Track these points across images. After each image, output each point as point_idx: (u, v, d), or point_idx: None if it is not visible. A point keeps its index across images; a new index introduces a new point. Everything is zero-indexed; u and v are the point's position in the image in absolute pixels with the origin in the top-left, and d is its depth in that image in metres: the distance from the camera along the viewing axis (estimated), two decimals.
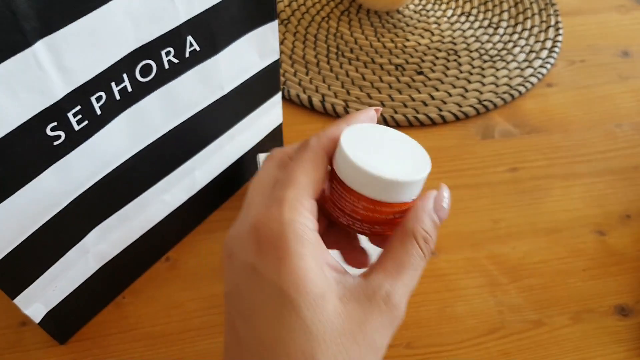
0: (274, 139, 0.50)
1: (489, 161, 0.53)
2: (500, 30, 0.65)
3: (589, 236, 0.48)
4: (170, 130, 0.38)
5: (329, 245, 0.26)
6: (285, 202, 0.23)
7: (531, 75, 0.60)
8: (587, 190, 0.51)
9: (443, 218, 0.25)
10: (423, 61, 0.62)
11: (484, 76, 0.60)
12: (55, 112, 0.29)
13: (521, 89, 0.59)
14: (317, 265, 0.23)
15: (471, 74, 0.60)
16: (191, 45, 0.35)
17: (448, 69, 0.61)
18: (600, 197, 0.51)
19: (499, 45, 0.64)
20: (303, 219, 0.23)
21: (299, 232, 0.22)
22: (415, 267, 0.24)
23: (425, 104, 0.57)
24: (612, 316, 0.43)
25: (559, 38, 0.65)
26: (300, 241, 0.22)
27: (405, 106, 0.57)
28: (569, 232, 0.48)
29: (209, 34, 0.36)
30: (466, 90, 0.59)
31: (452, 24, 0.66)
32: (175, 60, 0.35)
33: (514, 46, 0.63)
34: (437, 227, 0.25)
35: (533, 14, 0.67)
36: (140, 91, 0.34)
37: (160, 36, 0.33)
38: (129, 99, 0.34)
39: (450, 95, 0.58)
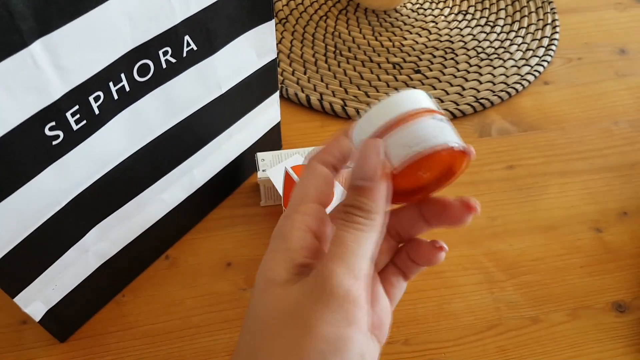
0: (272, 138, 0.51)
1: (486, 159, 0.53)
2: (497, 29, 0.66)
3: (586, 233, 0.48)
4: (168, 130, 0.38)
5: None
6: (283, 213, 0.26)
7: (528, 73, 0.60)
8: (584, 188, 0.51)
9: (362, 176, 0.23)
10: (420, 60, 0.62)
11: (481, 74, 0.60)
12: (54, 111, 0.29)
13: (518, 87, 0.59)
14: (282, 257, 0.24)
15: (468, 72, 0.60)
16: (188, 44, 0.35)
17: (445, 67, 0.61)
18: (597, 194, 0.51)
19: (496, 44, 0.64)
20: (290, 221, 0.25)
21: (279, 231, 0.25)
22: (339, 235, 0.23)
23: None
24: (609, 313, 0.43)
25: (556, 36, 0.65)
26: (278, 238, 0.25)
27: None
28: (566, 229, 0.48)
29: (206, 34, 0.36)
30: (463, 89, 0.59)
31: (449, 22, 0.66)
32: (173, 60, 0.35)
33: (511, 44, 0.64)
34: (354, 188, 0.23)
35: (530, 12, 0.68)
36: (138, 91, 0.34)
37: (158, 36, 0.33)
38: (127, 99, 0.34)
39: (447, 93, 0.58)
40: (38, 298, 0.36)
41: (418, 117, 0.23)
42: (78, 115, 0.31)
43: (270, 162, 0.47)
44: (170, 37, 0.34)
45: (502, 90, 0.58)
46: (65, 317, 0.40)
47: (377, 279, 0.28)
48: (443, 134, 0.23)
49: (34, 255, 0.34)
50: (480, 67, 0.61)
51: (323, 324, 0.22)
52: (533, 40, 0.64)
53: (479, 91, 0.58)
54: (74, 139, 0.32)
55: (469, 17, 0.67)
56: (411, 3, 0.69)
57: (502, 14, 0.67)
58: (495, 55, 0.62)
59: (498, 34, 0.65)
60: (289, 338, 0.22)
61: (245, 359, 0.23)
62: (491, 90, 0.59)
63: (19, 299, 0.35)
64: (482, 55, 0.62)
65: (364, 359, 0.23)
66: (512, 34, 0.65)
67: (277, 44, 0.43)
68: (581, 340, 0.42)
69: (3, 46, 0.26)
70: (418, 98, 0.24)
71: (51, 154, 0.31)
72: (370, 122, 0.24)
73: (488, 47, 0.63)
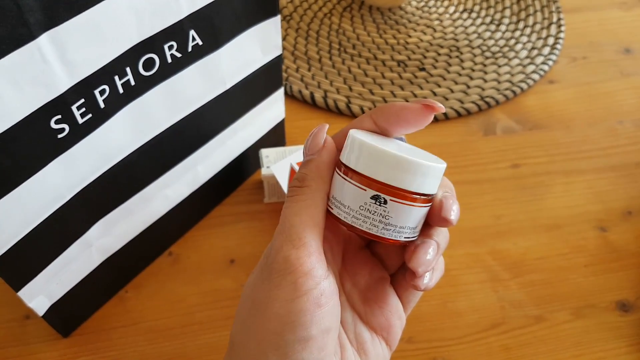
0: (276, 135, 0.50)
1: (491, 157, 0.53)
2: (502, 27, 0.65)
3: (590, 232, 0.48)
4: (172, 125, 0.38)
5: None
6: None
7: (533, 71, 0.60)
8: (589, 187, 0.51)
9: (307, 152, 0.24)
10: (425, 58, 0.62)
11: (486, 73, 0.60)
12: (60, 105, 0.29)
13: (523, 85, 0.59)
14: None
15: (473, 70, 0.60)
16: (194, 39, 0.35)
17: (450, 65, 0.61)
18: (601, 194, 0.51)
19: (501, 42, 0.64)
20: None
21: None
22: (282, 211, 0.24)
23: None
24: (613, 312, 0.43)
25: (561, 35, 0.65)
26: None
27: None
28: (571, 228, 0.48)
29: (211, 29, 0.36)
30: (468, 87, 0.59)
31: (454, 20, 0.66)
32: (178, 55, 0.35)
33: (516, 43, 0.64)
34: (301, 165, 0.25)
35: (535, 11, 0.67)
36: (144, 85, 0.34)
37: (163, 30, 0.33)
38: (132, 93, 0.34)
39: (452, 91, 0.58)
40: (42, 292, 0.36)
41: (396, 197, 0.22)
42: (84, 109, 0.31)
43: (274, 158, 0.47)
44: (176, 31, 0.34)
45: (507, 89, 0.58)
46: (69, 312, 0.40)
47: (387, 281, 0.28)
48: (399, 224, 0.23)
49: (38, 249, 0.34)
50: (485, 65, 0.61)
51: (273, 302, 0.22)
52: (538, 39, 0.64)
53: (484, 89, 0.58)
54: (79, 133, 0.32)
55: (474, 15, 0.67)
56: (416, 1, 0.68)
57: (507, 12, 0.67)
58: (501, 54, 0.62)
59: (503, 33, 0.65)
60: (251, 323, 0.22)
61: (228, 352, 0.24)
62: (496, 89, 0.58)
63: (23, 293, 0.35)
64: (487, 54, 0.62)
65: (329, 333, 0.22)
66: (518, 33, 0.65)
67: (281, 41, 0.42)
68: (585, 339, 0.42)
69: (11, 39, 0.25)
70: (424, 175, 0.22)
71: (56, 147, 0.31)
72: (370, 158, 0.22)
73: (493, 45, 0.63)
